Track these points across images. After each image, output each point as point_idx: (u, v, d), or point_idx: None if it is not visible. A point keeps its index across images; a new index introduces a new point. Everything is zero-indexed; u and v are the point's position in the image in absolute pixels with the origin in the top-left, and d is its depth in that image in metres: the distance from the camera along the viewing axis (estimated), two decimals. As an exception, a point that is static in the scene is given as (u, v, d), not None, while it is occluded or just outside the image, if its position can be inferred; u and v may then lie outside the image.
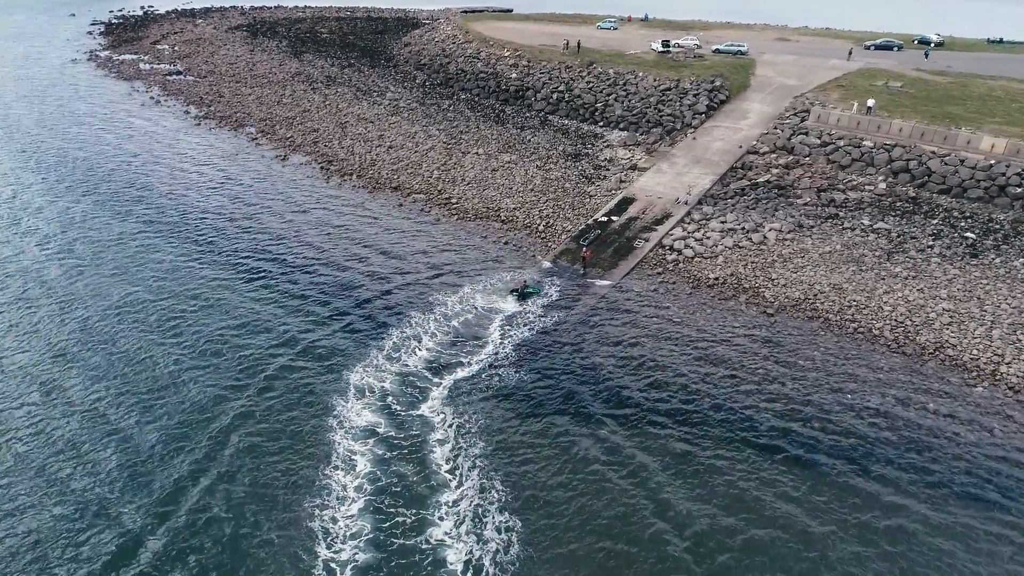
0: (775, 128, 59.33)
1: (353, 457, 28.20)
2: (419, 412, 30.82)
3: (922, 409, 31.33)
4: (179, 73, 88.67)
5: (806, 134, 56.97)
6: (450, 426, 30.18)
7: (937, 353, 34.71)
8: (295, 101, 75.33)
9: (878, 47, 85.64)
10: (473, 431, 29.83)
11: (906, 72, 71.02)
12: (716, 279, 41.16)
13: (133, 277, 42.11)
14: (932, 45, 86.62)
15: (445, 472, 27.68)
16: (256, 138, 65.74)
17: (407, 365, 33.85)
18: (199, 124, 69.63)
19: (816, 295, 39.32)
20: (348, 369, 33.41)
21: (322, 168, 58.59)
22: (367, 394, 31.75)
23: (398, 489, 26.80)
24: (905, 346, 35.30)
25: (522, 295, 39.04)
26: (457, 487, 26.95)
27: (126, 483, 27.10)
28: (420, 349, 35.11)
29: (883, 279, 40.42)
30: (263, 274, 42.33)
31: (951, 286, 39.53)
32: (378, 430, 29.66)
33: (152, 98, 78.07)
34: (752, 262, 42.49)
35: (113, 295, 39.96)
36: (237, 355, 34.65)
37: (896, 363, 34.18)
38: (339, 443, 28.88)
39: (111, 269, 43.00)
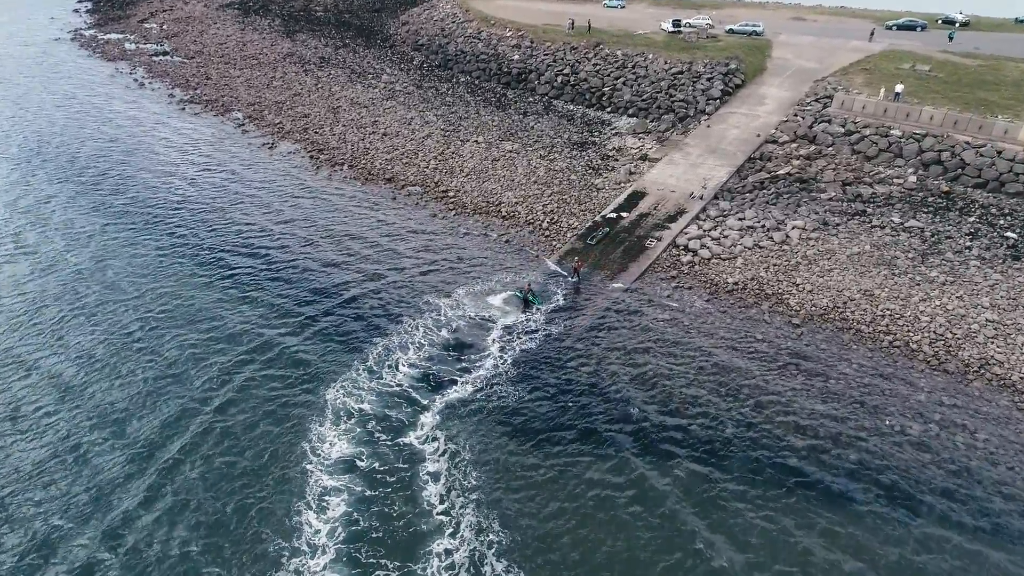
0: (795, 115, 55.48)
1: (328, 495, 25.04)
2: (406, 439, 27.61)
3: (969, 437, 28.06)
4: (166, 53, 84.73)
5: (829, 122, 53.14)
6: (442, 455, 27.02)
7: (983, 371, 31.36)
8: (286, 84, 71.50)
9: (900, 27, 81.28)
10: (469, 461, 26.66)
11: (933, 54, 66.85)
12: (735, 283, 37.74)
13: (103, 273, 39.11)
14: (957, 25, 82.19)
15: (437, 514, 24.53)
16: (243, 124, 62.10)
17: (393, 381, 30.62)
18: (183, 109, 65.96)
19: (846, 303, 35.90)
20: (326, 384, 30.22)
21: (311, 157, 55.04)
22: (346, 417, 28.54)
23: (380, 535, 23.67)
24: (946, 362, 31.95)
25: (526, 301, 35.67)
26: (452, 532, 23.82)
27: (66, 517, 24.04)
28: (409, 362, 31.87)
29: (918, 284, 36.95)
30: (238, 272, 39.10)
31: (993, 293, 36.06)
32: (358, 462, 26.47)
33: (136, 80, 74.32)
34: (774, 264, 39.03)
35: (81, 292, 37.03)
36: (201, 363, 31.56)
37: (938, 383, 30.84)
38: (312, 477, 25.72)
39: (81, 264, 39.97)
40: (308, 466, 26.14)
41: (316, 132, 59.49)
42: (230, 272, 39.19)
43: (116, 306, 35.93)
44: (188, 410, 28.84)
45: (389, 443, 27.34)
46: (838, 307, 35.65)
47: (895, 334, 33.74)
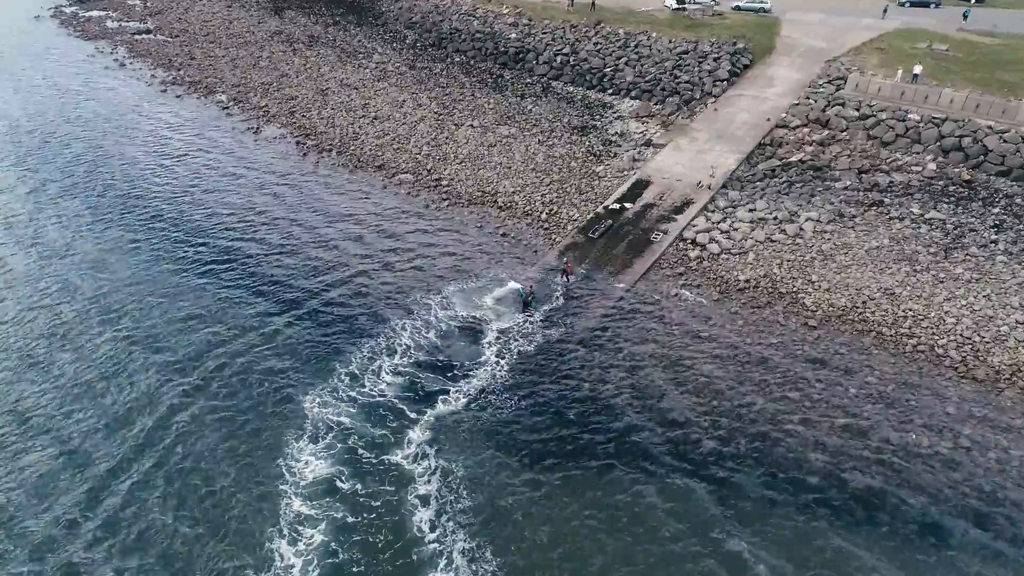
0: (807, 98, 52.70)
1: (303, 523, 22.89)
2: (392, 457, 25.42)
3: (1002, 454, 25.92)
4: (148, 32, 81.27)
5: (843, 105, 50.43)
6: (433, 474, 24.88)
7: (1015, 379, 29.17)
8: (273, 64, 68.37)
9: (914, 3, 78.11)
10: (462, 482, 24.55)
11: (949, 33, 63.91)
12: (747, 282, 35.38)
13: (71, 261, 37.07)
14: (972, 2, 79.02)
15: (428, 542, 22.42)
16: (227, 107, 59.17)
17: (378, 390, 28.37)
18: (165, 90, 62.92)
19: (865, 302, 33.60)
20: (303, 392, 27.96)
21: (298, 143, 52.28)
22: (325, 431, 26.29)
23: (362, 568, 21.58)
24: (975, 369, 29.74)
25: (525, 303, 33.30)
26: (445, 564, 21.74)
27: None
28: (395, 368, 29.60)
29: (942, 282, 34.63)
30: (213, 267, 36.79)
31: (1023, 292, 33.76)
32: (338, 483, 24.26)
33: (116, 60, 71.10)
34: (788, 260, 36.64)
35: (44, 280, 34.83)
36: (166, 366, 29.30)
37: (967, 392, 28.64)
38: (285, 501, 23.57)
39: (49, 251, 37.83)
40: (281, 488, 23.96)
41: (303, 115, 56.64)
42: (204, 266, 36.83)
43: (77, 300, 33.66)
44: (147, 421, 26.59)
45: (373, 461, 25.15)
46: (857, 307, 33.36)
47: (919, 337, 31.48)
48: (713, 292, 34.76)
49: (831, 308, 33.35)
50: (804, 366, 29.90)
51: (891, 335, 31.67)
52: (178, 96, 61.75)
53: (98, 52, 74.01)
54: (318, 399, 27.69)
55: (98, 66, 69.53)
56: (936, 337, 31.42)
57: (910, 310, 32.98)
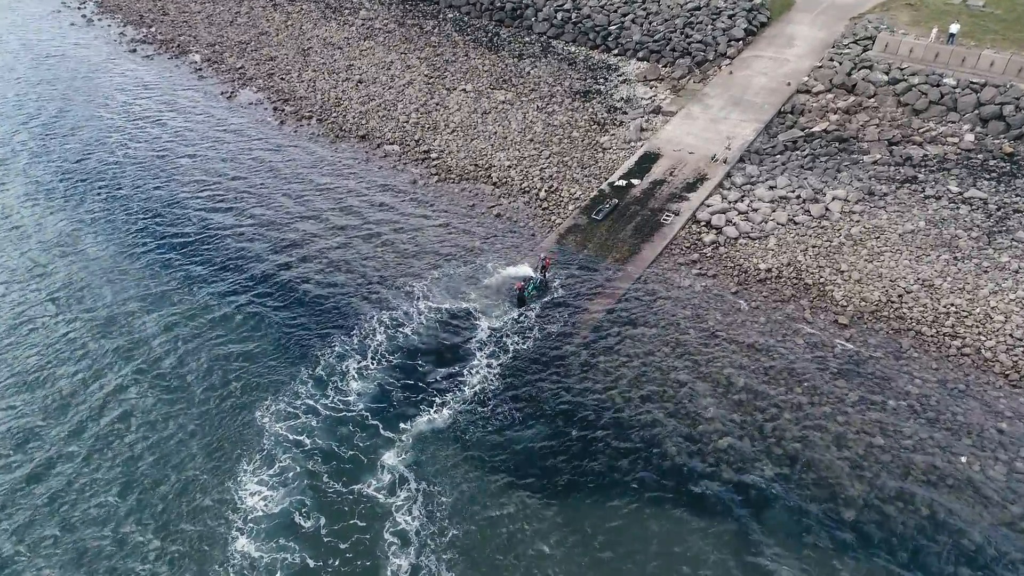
0: (831, 60, 48.15)
1: (252, 569, 19.68)
2: (363, 485, 22.15)
3: (1065, 480, 22.66)
4: (121, -16, 75.70)
5: (870, 68, 45.94)
6: (413, 505, 21.64)
7: (1075, 390, 25.77)
8: (251, 21, 63.37)
9: (942, -45, 72.42)
10: (448, 514, 21.37)
11: (984, -13, 58.78)
12: (768, 271, 31.72)
13: (15, 235, 33.27)
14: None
15: (402, 595, 19.27)
16: (200, 68, 54.59)
17: (348, 401, 24.99)
18: (134, 51, 58.17)
19: (901, 296, 30.01)
20: (259, 400, 24.64)
21: (275, 109, 47.98)
22: (283, 451, 22.96)
23: (329, 631, 18.46)
24: (1029, 376, 26.33)
25: (520, 298, 29.70)
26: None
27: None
28: (370, 373, 26.19)
29: (986, 272, 30.98)
30: (170, 244, 33.61)
31: (1078, 284, 30.16)
32: (298, 518, 21.02)
33: (84, 16, 66.03)
34: (813, 246, 32.92)
35: None
36: (101, 355, 26.15)
37: (1021, 404, 25.24)
38: (232, 542, 20.34)
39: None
40: (226, 525, 20.71)
41: (282, 78, 52.15)
42: (161, 243, 33.56)
43: (23, 276, 30.34)
44: (64, 432, 23.26)
45: (339, 491, 21.86)
46: (892, 302, 29.77)
47: (964, 338, 27.97)
48: (731, 283, 31.12)
49: (863, 303, 29.76)
50: (835, 373, 26.45)
51: (932, 335, 28.15)
52: (148, 56, 57.06)
53: (64, 7, 68.83)
54: (274, 409, 24.28)
55: (64, 22, 64.53)
56: (982, 338, 27.91)
57: (952, 305, 29.41)
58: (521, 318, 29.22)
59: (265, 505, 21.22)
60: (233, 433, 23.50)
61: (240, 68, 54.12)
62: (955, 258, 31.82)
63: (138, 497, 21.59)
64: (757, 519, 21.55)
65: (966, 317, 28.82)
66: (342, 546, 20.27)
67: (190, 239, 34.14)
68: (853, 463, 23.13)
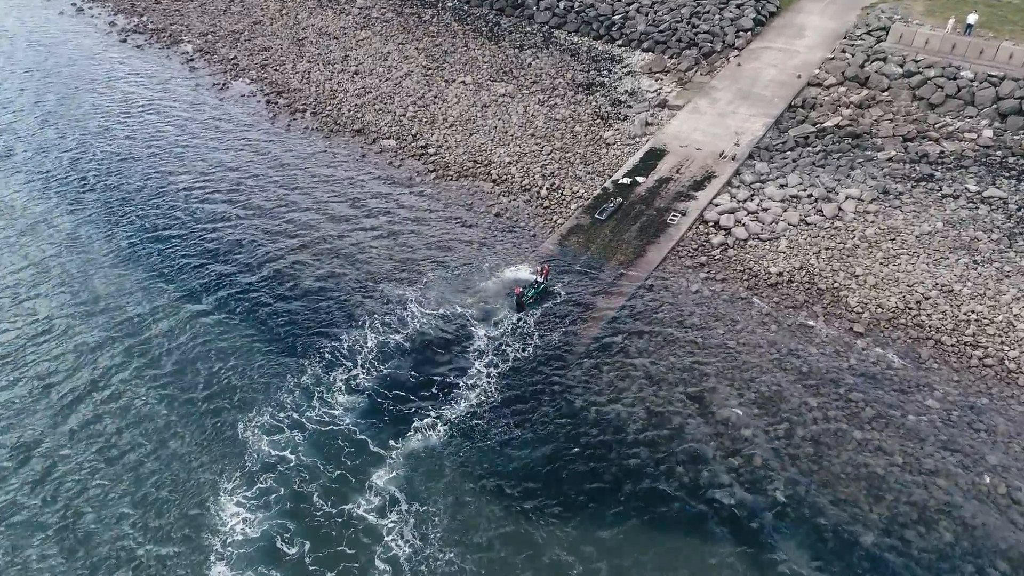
0: (843, 51, 46.52)
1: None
2: (353, 506, 20.91)
3: (1097, 503, 21.36)
4: (113, -28, 73.95)
5: (884, 60, 44.31)
6: (405, 526, 20.40)
7: (1105, 404, 24.42)
8: (245, 10, 61.66)
9: (956, -58, 70.45)
10: (444, 537, 20.08)
11: (1002, -25, 56.94)
12: (780, 275, 30.33)
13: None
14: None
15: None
16: (192, 59, 53.05)
17: (336, 415, 23.71)
18: (124, 40, 56.61)
19: (919, 302, 28.64)
20: (241, 412, 23.42)
21: (268, 102, 46.50)
22: (265, 469, 21.68)
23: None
24: (1055, 389, 24.99)
25: (520, 304, 28.35)
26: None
27: None
28: (359, 384, 24.92)
29: (1008, 277, 29.57)
30: (154, 240, 32.64)
31: (1105, 290, 28.74)
32: (280, 544, 19.78)
33: (74, 4, 64.36)
34: (826, 248, 31.51)
35: None
36: (76, 354, 24.91)
37: (1048, 420, 23.93)
38: (210, 569, 19.09)
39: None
40: (202, 551, 19.46)
41: (276, 69, 50.62)
42: (146, 239, 32.58)
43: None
44: (22, 444, 22.03)
45: (326, 513, 20.61)
46: (910, 308, 28.40)
47: (986, 348, 26.61)
48: (740, 288, 29.75)
49: (879, 309, 28.39)
50: (851, 385, 25.11)
51: (952, 344, 26.79)
52: (139, 47, 55.51)
53: (55, -6, 67.12)
54: (257, 423, 23.00)
55: (52, 12, 62.90)
56: (1006, 347, 26.56)
57: (972, 312, 28.02)
58: (520, 324, 27.89)
59: (245, 528, 19.99)
60: (212, 447, 22.27)
61: (233, 59, 52.59)
62: (975, 261, 30.41)
63: (106, 516, 20.37)
64: (769, 544, 20.31)
65: (988, 325, 27.45)
66: (328, 575, 19.04)
67: (174, 237, 32.86)
68: (871, 483, 21.85)
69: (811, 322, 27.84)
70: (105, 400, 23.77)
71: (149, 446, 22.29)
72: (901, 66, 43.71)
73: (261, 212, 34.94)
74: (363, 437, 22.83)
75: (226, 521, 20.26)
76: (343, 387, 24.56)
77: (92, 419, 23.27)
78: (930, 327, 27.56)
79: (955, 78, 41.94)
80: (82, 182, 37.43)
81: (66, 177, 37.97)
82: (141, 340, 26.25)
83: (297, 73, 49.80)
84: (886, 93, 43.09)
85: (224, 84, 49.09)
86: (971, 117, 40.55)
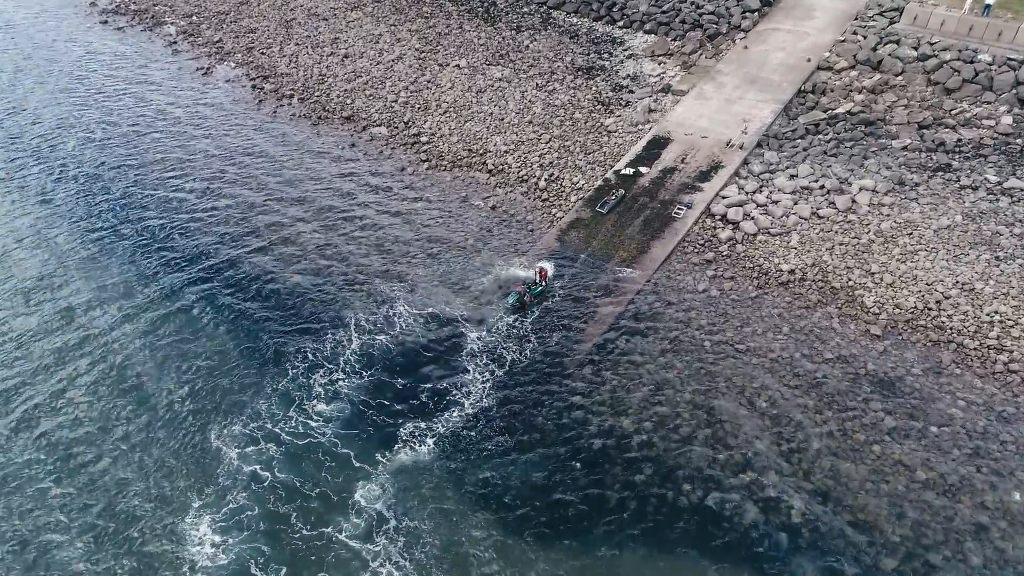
0: (854, 33, 44.55)
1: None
2: (335, 528, 19.41)
3: None
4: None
5: (897, 42, 42.38)
6: (392, 548, 18.92)
7: None
8: (232, -12, 59.32)
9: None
10: (434, 563, 18.58)
11: (1017, -47, 54.74)
12: (791, 272, 28.70)
13: None
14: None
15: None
16: (175, 41, 50.94)
17: (316, 426, 22.15)
18: (105, 21, 54.44)
19: (939, 302, 27.04)
20: (215, 422, 21.92)
21: (254, 87, 44.51)
22: (238, 487, 20.17)
23: None
24: (1085, 397, 23.47)
25: (521, 304, 26.70)
26: None
27: None
28: (342, 391, 23.34)
29: (1032, 274, 27.97)
30: (131, 233, 30.84)
31: None
32: (254, 571, 18.32)
33: (54, -16, 61.98)
34: (840, 244, 29.86)
35: None
36: (33, 362, 23.25)
37: (1079, 431, 22.44)
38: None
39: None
40: (187, 583, 18.06)
41: (263, 53, 48.55)
42: (122, 231, 30.87)
43: None
44: None
45: (306, 535, 19.14)
46: (930, 308, 26.81)
47: (1011, 351, 25.05)
48: (750, 287, 28.12)
49: (897, 310, 26.79)
50: (868, 392, 23.58)
51: (975, 348, 25.23)
52: (120, 28, 53.36)
53: (34, -26, 64.66)
54: (230, 433, 21.45)
55: (31, -9, 60.54)
56: (1032, 352, 25.00)
57: (996, 313, 26.44)
58: (516, 326, 26.28)
59: (216, 552, 18.51)
60: (182, 460, 20.76)
61: (218, 41, 50.49)
62: (996, 258, 28.78)
63: (65, 533, 18.88)
64: (782, 569, 18.87)
65: (1012, 327, 25.88)
66: (308, 608, 17.61)
67: (151, 227, 31.21)
68: (892, 502, 20.39)
69: (825, 324, 26.23)
70: (64, 408, 22.21)
71: (111, 459, 20.75)
72: (915, 49, 41.79)
73: (243, 204, 33.20)
74: (346, 450, 21.29)
75: (196, 542, 18.78)
76: (324, 394, 23.01)
77: (51, 429, 21.73)
78: (951, 329, 25.98)
79: (972, 61, 40.05)
80: (51, 173, 35.62)
81: (35, 167, 36.16)
82: (106, 341, 24.65)
83: (284, 56, 47.76)
84: (900, 77, 41.18)
85: (208, 68, 47.04)
86: (989, 103, 38.70)
